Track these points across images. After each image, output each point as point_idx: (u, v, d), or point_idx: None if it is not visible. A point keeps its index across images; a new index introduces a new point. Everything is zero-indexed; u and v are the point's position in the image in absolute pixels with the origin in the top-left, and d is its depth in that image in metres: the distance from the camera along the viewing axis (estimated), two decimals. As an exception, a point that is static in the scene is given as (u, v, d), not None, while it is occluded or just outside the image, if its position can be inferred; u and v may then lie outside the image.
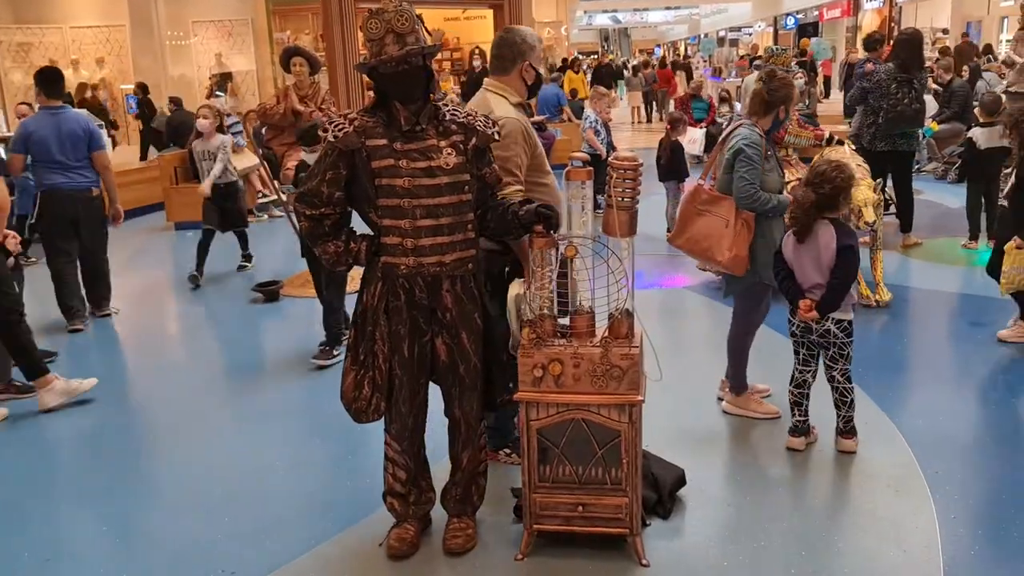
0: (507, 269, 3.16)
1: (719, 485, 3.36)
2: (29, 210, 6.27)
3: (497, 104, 3.17)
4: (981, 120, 6.81)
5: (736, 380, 3.93)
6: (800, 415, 3.57)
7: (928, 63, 14.76)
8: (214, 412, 4.41)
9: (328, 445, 3.87)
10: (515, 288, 2.89)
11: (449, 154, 2.73)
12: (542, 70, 3.42)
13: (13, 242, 4.40)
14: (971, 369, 4.58)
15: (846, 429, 3.53)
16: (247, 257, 7.41)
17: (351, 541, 3.07)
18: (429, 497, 3.05)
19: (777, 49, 8.35)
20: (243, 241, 7.36)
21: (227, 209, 6.98)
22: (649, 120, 20.39)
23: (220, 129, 7.55)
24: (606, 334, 2.76)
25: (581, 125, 9.31)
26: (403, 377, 2.81)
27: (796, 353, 3.56)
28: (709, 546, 2.96)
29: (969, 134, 6.80)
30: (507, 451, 3.52)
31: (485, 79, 3.36)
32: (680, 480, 3.24)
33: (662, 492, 3.13)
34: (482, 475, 3.03)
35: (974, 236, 6.78)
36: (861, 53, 11.79)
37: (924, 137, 7.07)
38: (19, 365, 4.46)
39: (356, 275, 2.94)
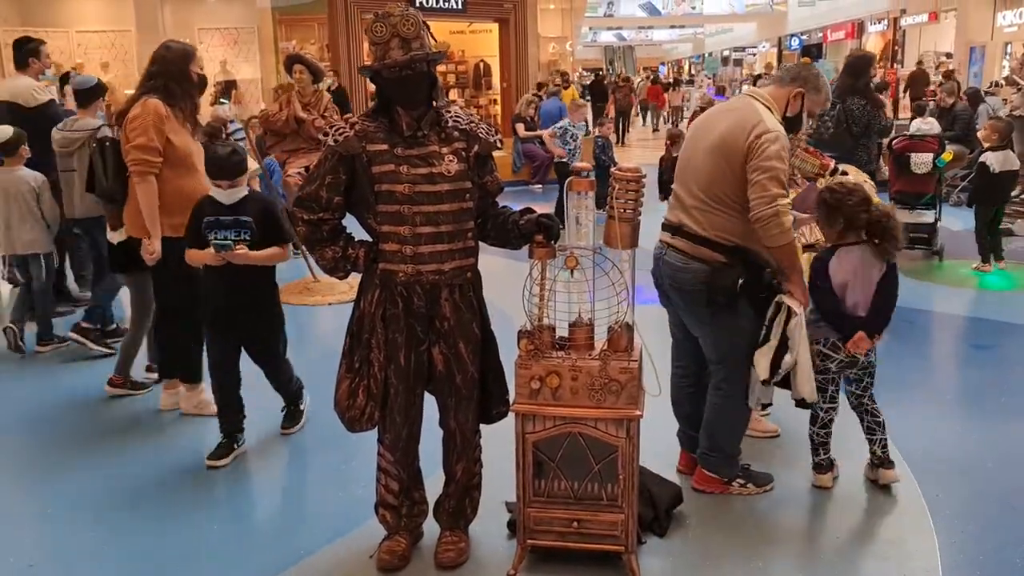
0: (740, 282, 3.05)
1: (716, 504, 3.31)
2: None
3: (767, 115, 3.06)
4: (987, 144, 6.80)
5: None
6: (826, 452, 3.42)
7: (932, 86, 14.85)
8: (204, 418, 4.35)
9: (320, 454, 3.82)
10: (788, 310, 3.03)
11: (451, 161, 2.69)
12: (807, 121, 3.28)
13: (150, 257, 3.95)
14: (973, 392, 4.54)
15: (885, 457, 3.37)
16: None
17: (341, 553, 3.02)
18: (422, 509, 3.00)
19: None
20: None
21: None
22: (620, 142, 19.41)
23: (214, 137, 7.51)
24: (605, 347, 2.72)
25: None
26: (398, 386, 2.76)
27: (821, 391, 3.30)
28: (705, 565, 2.91)
29: (982, 159, 6.78)
30: (740, 482, 3.35)
31: (754, 88, 3.25)
32: (677, 497, 3.19)
33: (658, 509, 3.09)
34: (476, 488, 2.99)
35: (986, 259, 6.76)
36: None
37: (938, 167, 7.01)
38: (161, 361, 4.38)
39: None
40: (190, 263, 3.70)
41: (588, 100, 19.86)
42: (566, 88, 15.93)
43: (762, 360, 3.09)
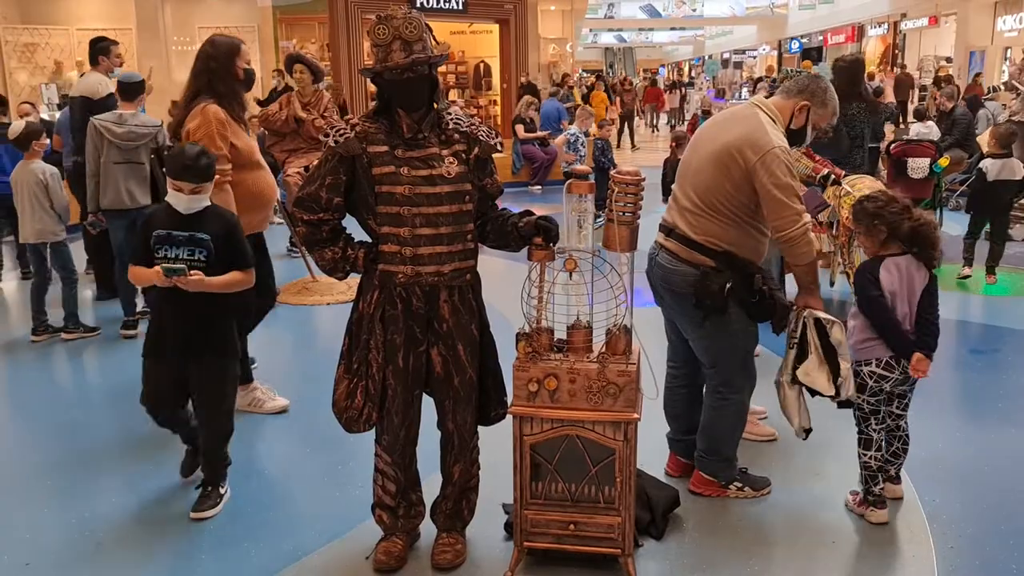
0: (728, 287, 3.04)
1: (713, 507, 3.31)
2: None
3: (771, 128, 3.04)
4: (989, 150, 6.75)
5: None
6: (882, 481, 3.22)
7: (932, 91, 14.89)
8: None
9: (318, 454, 3.82)
10: (818, 321, 3.02)
11: (451, 163, 2.70)
12: (809, 132, 3.19)
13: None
14: (971, 397, 4.55)
15: (896, 474, 3.32)
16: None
17: (338, 553, 3.02)
18: (419, 511, 3.00)
19: (792, 71, 8.41)
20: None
21: None
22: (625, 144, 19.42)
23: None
24: (603, 350, 2.72)
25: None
26: (396, 387, 2.77)
27: (874, 413, 3.17)
28: (702, 569, 2.91)
29: (980, 165, 6.75)
30: (737, 485, 3.34)
31: (760, 98, 3.25)
32: (674, 501, 3.19)
33: (655, 513, 3.09)
34: (473, 490, 2.99)
35: (969, 263, 6.65)
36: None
37: (935, 172, 6.98)
38: None
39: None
40: (133, 282, 3.30)
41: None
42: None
43: (817, 377, 3.04)
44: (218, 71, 3.86)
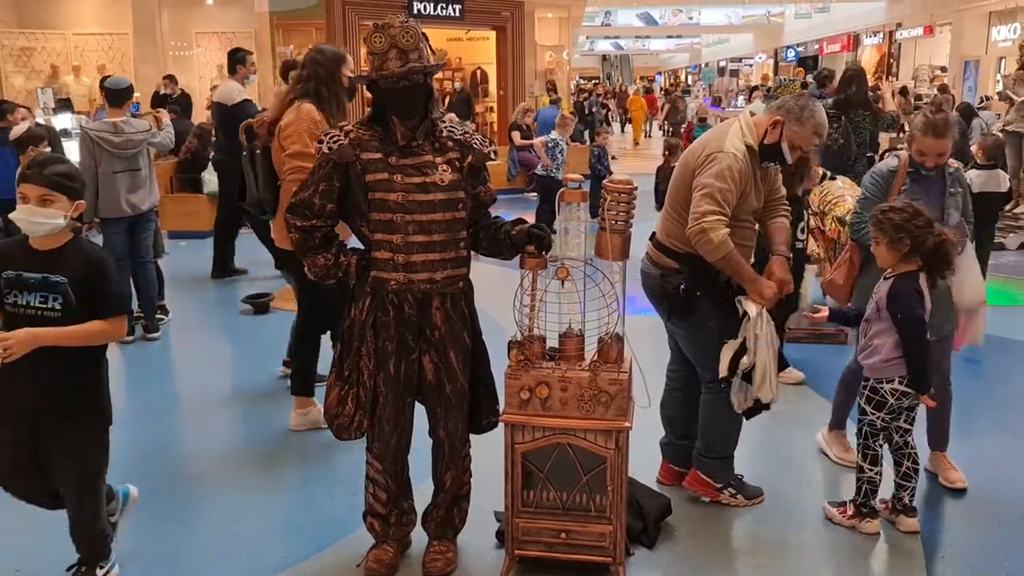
0: (682, 287, 3.09)
1: (705, 516, 3.31)
2: None
3: (733, 136, 3.08)
4: (979, 161, 6.73)
5: (837, 413, 3.77)
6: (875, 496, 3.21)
7: (898, 100, 14.95)
8: (192, 424, 4.35)
9: (309, 462, 3.81)
10: (751, 307, 3.02)
11: (445, 171, 2.71)
12: (786, 150, 3.12)
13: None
14: (963, 406, 4.54)
15: (912, 504, 3.18)
16: None
17: (329, 561, 3.01)
18: (410, 519, 3.00)
19: (785, 80, 8.48)
20: None
21: None
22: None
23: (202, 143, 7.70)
24: (595, 358, 2.72)
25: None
26: (388, 395, 2.77)
27: (884, 430, 3.13)
28: (693, 578, 2.91)
29: (965, 176, 6.71)
30: (731, 491, 3.34)
31: (748, 113, 3.33)
32: (665, 509, 3.19)
33: (647, 521, 3.09)
34: (465, 498, 2.99)
35: None
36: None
37: None
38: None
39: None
40: None
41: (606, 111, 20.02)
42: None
43: (724, 356, 3.08)
44: (325, 77, 3.86)
